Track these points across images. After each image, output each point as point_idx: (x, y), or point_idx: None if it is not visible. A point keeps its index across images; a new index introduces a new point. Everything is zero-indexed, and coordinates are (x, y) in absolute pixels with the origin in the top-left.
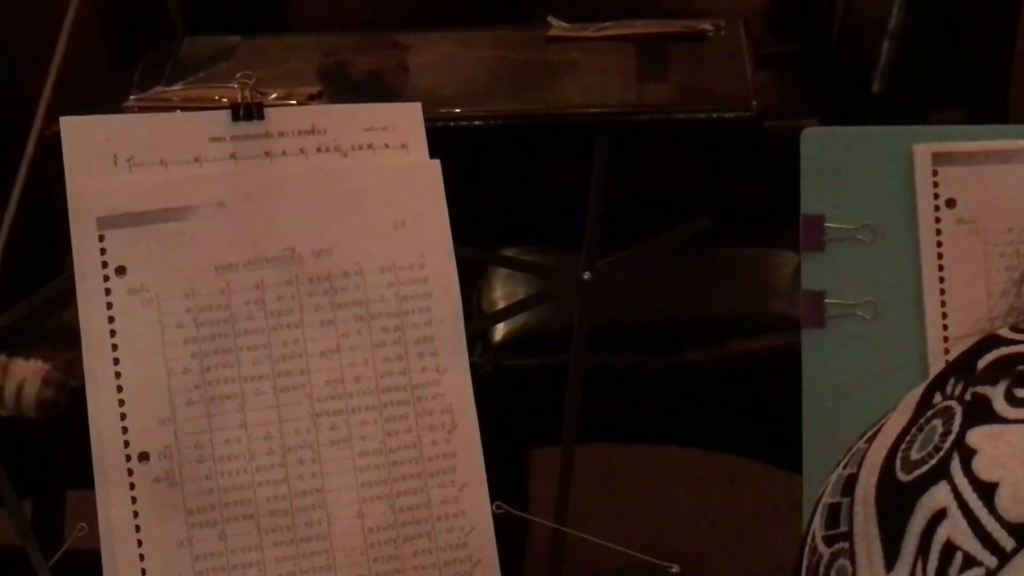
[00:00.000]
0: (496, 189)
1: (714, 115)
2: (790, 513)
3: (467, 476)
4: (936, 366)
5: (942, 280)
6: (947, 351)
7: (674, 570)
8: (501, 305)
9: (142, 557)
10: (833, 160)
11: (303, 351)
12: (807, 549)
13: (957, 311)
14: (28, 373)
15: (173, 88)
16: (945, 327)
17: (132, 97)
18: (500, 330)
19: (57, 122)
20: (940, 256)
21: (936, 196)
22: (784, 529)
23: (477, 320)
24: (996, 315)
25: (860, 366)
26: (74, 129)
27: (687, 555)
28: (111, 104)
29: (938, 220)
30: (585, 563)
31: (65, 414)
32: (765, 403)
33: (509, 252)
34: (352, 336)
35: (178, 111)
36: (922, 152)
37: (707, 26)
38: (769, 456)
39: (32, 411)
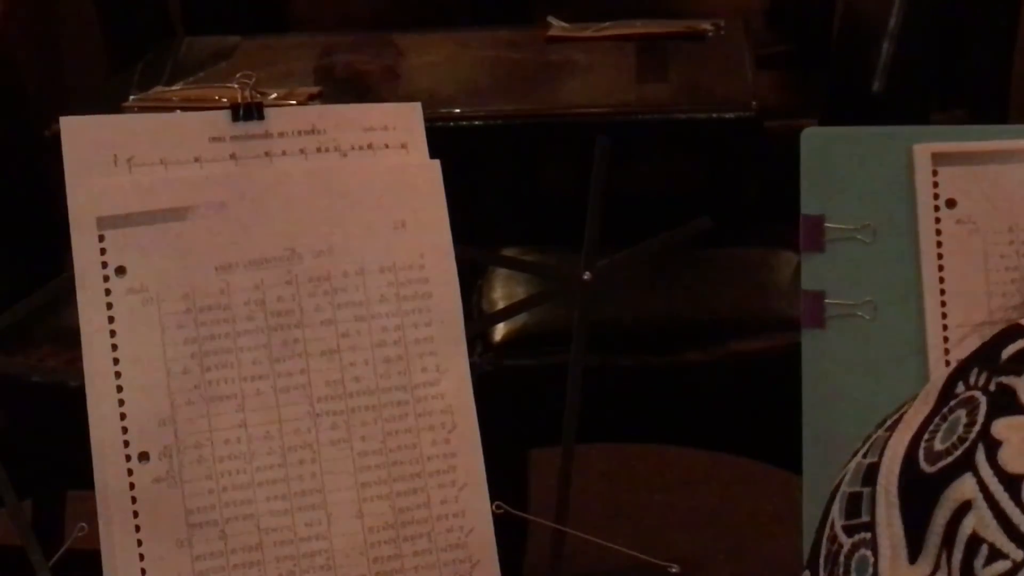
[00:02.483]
0: (496, 189)
1: (714, 115)
2: (790, 513)
3: (467, 476)
4: (936, 366)
5: (942, 280)
6: (947, 351)
7: (674, 570)
8: (501, 305)
9: (142, 557)
10: (833, 160)
11: (303, 351)
12: (825, 538)
13: (957, 311)
14: None
15: (173, 88)
16: (945, 327)
17: (132, 97)
18: (500, 330)
19: (57, 122)
20: (940, 256)
21: (936, 196)
22: (784, 529)
23: (477, 320)
24: (1008, 308)
25: (860, 366)
26: (74, 129)
27: (687, 555)
28: (111, 104)
29: (938, 220)
30: (585, 563)
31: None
32: (765, 403)
33: (509, 252)
34: (352, 336)
35: (178, 111)
36: (922, 152)
37: (707, 26)
38: (769, 456)
39: None
